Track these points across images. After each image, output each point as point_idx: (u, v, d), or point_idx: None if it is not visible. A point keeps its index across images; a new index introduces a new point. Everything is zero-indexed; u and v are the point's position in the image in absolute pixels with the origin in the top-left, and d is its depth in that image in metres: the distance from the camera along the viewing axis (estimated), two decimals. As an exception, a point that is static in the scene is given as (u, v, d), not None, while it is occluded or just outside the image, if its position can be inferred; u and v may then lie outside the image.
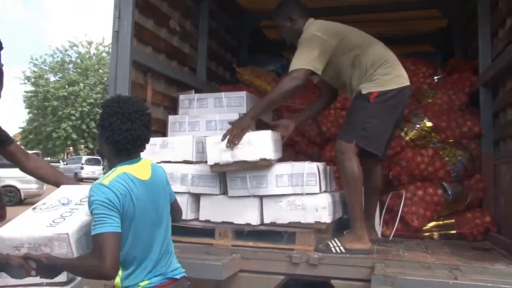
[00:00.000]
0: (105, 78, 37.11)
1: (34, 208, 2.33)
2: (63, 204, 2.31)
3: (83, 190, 2.38)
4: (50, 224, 2.13)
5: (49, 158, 36.70)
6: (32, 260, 1.95)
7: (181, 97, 4.08)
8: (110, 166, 2.17)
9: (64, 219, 2.17)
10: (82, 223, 2.10)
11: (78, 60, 39.08)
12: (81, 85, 36.73)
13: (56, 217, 2.19)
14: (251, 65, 5.52)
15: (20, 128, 40.73)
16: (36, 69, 38.38)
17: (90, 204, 1.95)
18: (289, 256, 3.06)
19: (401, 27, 6.32)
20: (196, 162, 3.48)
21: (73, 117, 35.50)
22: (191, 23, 4.88)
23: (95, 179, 27.52)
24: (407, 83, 3.31)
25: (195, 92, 4.28)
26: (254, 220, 3.29)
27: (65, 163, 32.96)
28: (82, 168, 29.59)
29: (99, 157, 32.94)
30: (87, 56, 39.13)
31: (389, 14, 5.82)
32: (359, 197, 3.26)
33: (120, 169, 2.05)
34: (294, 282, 3.38)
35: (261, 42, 6.61)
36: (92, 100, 36.03)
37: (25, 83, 38.11)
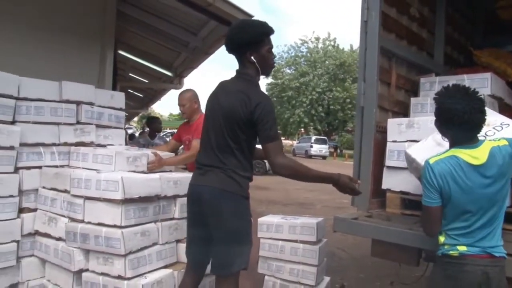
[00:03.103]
0: (331, 69, 37.86)
1: None
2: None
3: None
4: None
5: (283, 138, 39.13)
6: None
7: (422, 80, 3.81)
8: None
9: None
10: None
11: (308, 54, 40.53)
12: (311, 76, 38.02)
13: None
14: (487, 47, 4.88)
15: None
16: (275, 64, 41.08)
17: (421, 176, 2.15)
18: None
19: None
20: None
21: (304, 104, 37.06)
22: (429, 10, 4.51)
23: (322, 156, 28.61)
24: None
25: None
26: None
27: (298, 142, 34.75)
28: (311, 146, 30.83)
29: (325, 137, 34.00)
30: (315, 50, 40.31)
31: None
32: None
33: (452, 152, 2.08)
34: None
35: (495, 24, 5.79)
36: (320, 89, 37.02)
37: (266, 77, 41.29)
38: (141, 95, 15.87)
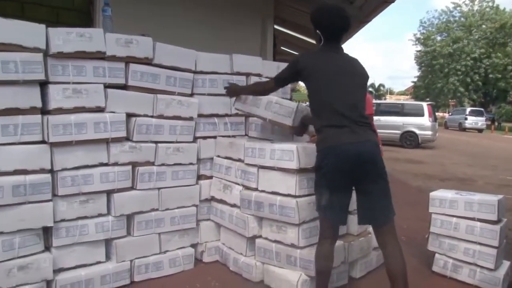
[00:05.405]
0: (489, 33, 34.10)
1: None
2: None
3: None
4: None
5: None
6: None
7: None
8: None
9: None
10: None
11: (462, 19, 37.04)
12: (465, 41, 34.70)
13: None
14: None
15: (412, 82, 42.74)
16: (424, 31, 38.57)
17: None
18: None
19: None
20: None
21: (458, 72, 34.02)
22: None
23: (477, 129, 26.07)
24: None
25: None
26: None
27: (450, 114, 32.22)
28: (466, 118, 28.23)
29: (481, 109, 30.82)
30: (470, 14, 36.59)
31: None
32: None
33: None
34: None
35: None
36: (476, 55, 33.58)
37: (416, 44, 39.05)
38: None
